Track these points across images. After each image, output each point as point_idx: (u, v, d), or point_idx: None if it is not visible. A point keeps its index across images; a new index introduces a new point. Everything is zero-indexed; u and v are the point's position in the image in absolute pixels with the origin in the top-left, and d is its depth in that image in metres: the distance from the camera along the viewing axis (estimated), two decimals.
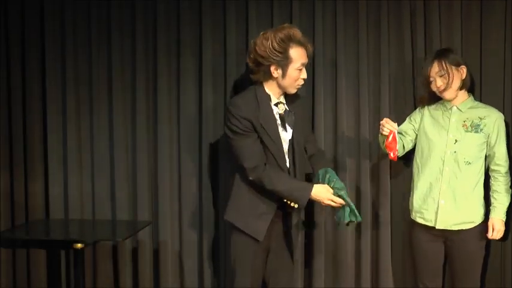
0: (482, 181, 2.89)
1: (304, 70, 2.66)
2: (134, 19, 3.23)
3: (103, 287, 3.33)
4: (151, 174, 3.29)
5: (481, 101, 2.99)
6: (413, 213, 2.96)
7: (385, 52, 3.14)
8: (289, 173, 2.74)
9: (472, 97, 2.93)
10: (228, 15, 3.18)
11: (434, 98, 2.92)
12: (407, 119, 3.03)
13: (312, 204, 3.19)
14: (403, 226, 3.15)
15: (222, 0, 3.20)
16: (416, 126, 2.97)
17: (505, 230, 2.89)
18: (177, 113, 3.25)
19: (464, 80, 2.85)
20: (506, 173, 2.85)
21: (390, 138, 2.74)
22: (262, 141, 2.66)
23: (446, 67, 2.79)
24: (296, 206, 2.69)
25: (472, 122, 2.84)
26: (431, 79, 2.83)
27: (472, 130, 2.83)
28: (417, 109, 3.02)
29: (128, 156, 3.30)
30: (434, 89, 2.85)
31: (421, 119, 2.96)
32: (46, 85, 3.29)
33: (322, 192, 2.68)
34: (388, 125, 2.74)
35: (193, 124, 3.25)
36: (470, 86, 2.94)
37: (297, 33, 2.64)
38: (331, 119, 3.20)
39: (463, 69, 2.84)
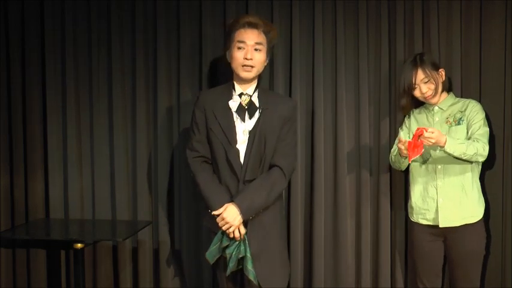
0: (478, 174, 2.91)
1: (248, 50, 2.66)
2: (134, 19, 3.23)
3: (103, 287, 3.33)
4: (151, 174, 3.28)
5: (480, 101, 2.98)
6: (414, 216, 2.96)
7: (385, 52, 3.14)
8: (241, 168, 2.65)
9: (452, 94, 2.97)
10: (228, 15, 3.18)
11: (416, 104, 2.97)
12: (401, 128, 3.04)
13: (311, 204, 3.20)
14: (403, 226, 3.15)
15: (222, 0, 3.20)
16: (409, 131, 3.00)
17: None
18: (177, 113, 3.24)
19: (444, 82, 2.90)
20: (482, 143, 2.75)
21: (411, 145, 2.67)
22: (213, 132, 2.67)
23: (431, 73, 2.83)
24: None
25: (454, 117, 2.88)
26: (415, 86, 2.86)
27: (455, 124, 2.86)
28: (405, 116, 3.04)
29: (128, 156, 3.30)
30: (418, 95, 2.89)
31: (409, 125, 2.99)
32: (46, 85, 3.28)
33: (233, 213, 2.56)
34: (402, 145, 2.71)
35: None
36: (449, 86, 2.99)
37: (244, 17, 2.73)
38: (330, 118, 3.19)
39: (442, 72, 2.90)
